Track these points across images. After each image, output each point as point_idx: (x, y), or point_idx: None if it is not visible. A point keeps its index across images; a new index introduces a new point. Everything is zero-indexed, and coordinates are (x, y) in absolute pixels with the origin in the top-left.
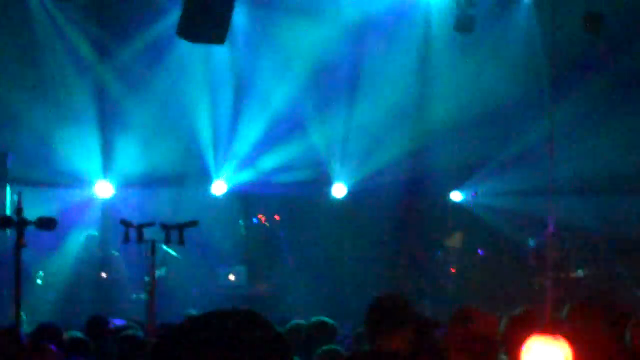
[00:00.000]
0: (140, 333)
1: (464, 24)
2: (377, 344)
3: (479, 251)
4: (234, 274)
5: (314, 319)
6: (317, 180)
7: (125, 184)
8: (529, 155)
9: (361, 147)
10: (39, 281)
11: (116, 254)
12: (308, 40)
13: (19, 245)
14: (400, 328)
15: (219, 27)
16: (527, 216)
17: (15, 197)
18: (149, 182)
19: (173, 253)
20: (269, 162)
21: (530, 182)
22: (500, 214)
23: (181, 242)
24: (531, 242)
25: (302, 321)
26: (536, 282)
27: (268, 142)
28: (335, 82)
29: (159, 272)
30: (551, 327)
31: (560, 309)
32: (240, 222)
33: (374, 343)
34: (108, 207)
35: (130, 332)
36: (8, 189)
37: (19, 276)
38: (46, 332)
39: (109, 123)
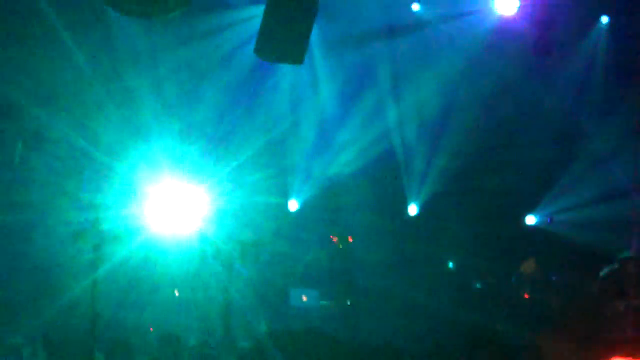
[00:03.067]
0: (214, 350)
1: None
2: None
3: (553, 278)
4: (305, 295)
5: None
6: (391, 198)
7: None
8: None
9: (431, 162)
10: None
11: None
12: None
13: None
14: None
15: (297, 47)
16: (603, 241)
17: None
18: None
19: (244, 272)
20: (345, 175)
21: (609, 210)
22: (576, 239)
23: (258, 260)
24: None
25: None
26: (612, 308)
27: (341, 159)
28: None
29: None
30: (632, 352)
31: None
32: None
33: None
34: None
35: (206, 350)
36: None
37: (93, 290)
38: (119, 347)
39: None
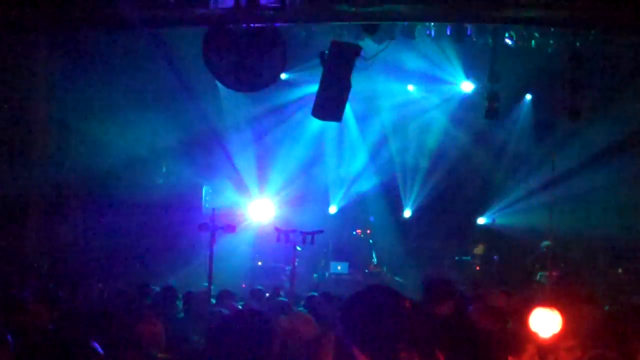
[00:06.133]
0: (285, 299)
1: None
2: (431, 309)
3: (495, 257)
4: (340, 266)
5: None
6: (394, 206)
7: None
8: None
9: (420, 185)
10: None
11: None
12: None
13: (212, 242)
14: (447, 299)
15: (339, 109)
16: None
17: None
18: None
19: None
20: (366, 192)
21: (532, 215)
22: (510, 234)
23: (312, 243)
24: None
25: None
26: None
27: (363, 180)
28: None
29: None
30: (548, 303)
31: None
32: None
33: (429, 308)
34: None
35: (281, 298)
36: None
37: (211, 261)
38: (227, 296)
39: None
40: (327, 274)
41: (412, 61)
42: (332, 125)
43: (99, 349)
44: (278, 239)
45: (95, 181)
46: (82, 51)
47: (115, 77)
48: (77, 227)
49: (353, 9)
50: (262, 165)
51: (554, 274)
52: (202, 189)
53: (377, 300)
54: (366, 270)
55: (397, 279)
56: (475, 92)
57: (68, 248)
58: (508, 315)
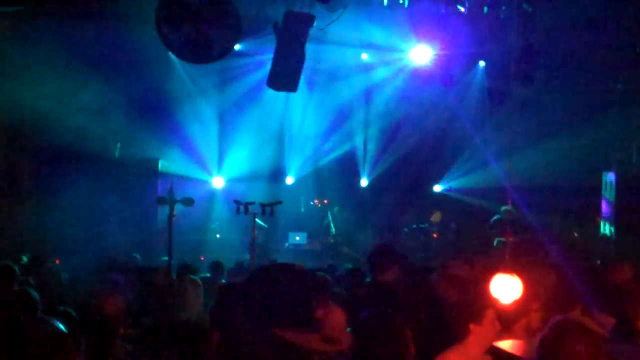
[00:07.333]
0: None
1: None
2: (375, 276)
3: (452, 224)
4: (298, 236)
5: (346, 265)
6: (350, 175)
7: (232, 178)
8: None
9: (376, 153)
10: None
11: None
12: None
13: (170, 215)
14: (390, 265)
15: (294, 79)
16: (483, 201)
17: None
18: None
19: (262, 223)
20: (323, 162)
21: (488, 182)
22: (466, 200)
23: (272, 214)
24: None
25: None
26: (494, 242)
27: (319, 150)
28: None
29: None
30: (507, 268)
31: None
32: (302, 203)
33: (373, 275)
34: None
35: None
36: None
37: (170, 235)
38: (186, 269)
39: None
40: (285, 245)
41: (365, 30)
42: (287, 95)
43: (62, 327)
44: (237, 211)
45: (47, 156)
46: (27, 13)
47: (67, 46)
48: (31, 205)
49: None
50: (218, 137)
51: (511, 239)
52: (158, 161)
53: (270, 279)
54: (324, 240)
55: (352, 248)
56: (429, 60)
57: (22, 225)
58: (470, 284)
